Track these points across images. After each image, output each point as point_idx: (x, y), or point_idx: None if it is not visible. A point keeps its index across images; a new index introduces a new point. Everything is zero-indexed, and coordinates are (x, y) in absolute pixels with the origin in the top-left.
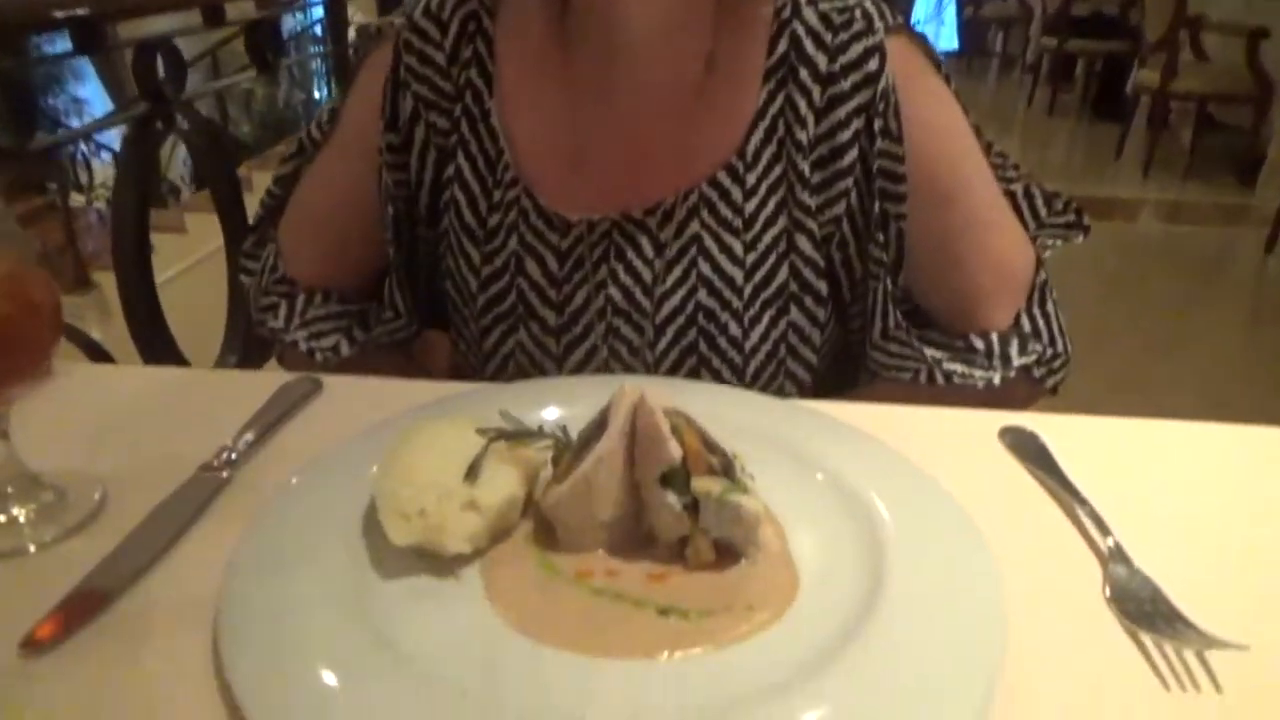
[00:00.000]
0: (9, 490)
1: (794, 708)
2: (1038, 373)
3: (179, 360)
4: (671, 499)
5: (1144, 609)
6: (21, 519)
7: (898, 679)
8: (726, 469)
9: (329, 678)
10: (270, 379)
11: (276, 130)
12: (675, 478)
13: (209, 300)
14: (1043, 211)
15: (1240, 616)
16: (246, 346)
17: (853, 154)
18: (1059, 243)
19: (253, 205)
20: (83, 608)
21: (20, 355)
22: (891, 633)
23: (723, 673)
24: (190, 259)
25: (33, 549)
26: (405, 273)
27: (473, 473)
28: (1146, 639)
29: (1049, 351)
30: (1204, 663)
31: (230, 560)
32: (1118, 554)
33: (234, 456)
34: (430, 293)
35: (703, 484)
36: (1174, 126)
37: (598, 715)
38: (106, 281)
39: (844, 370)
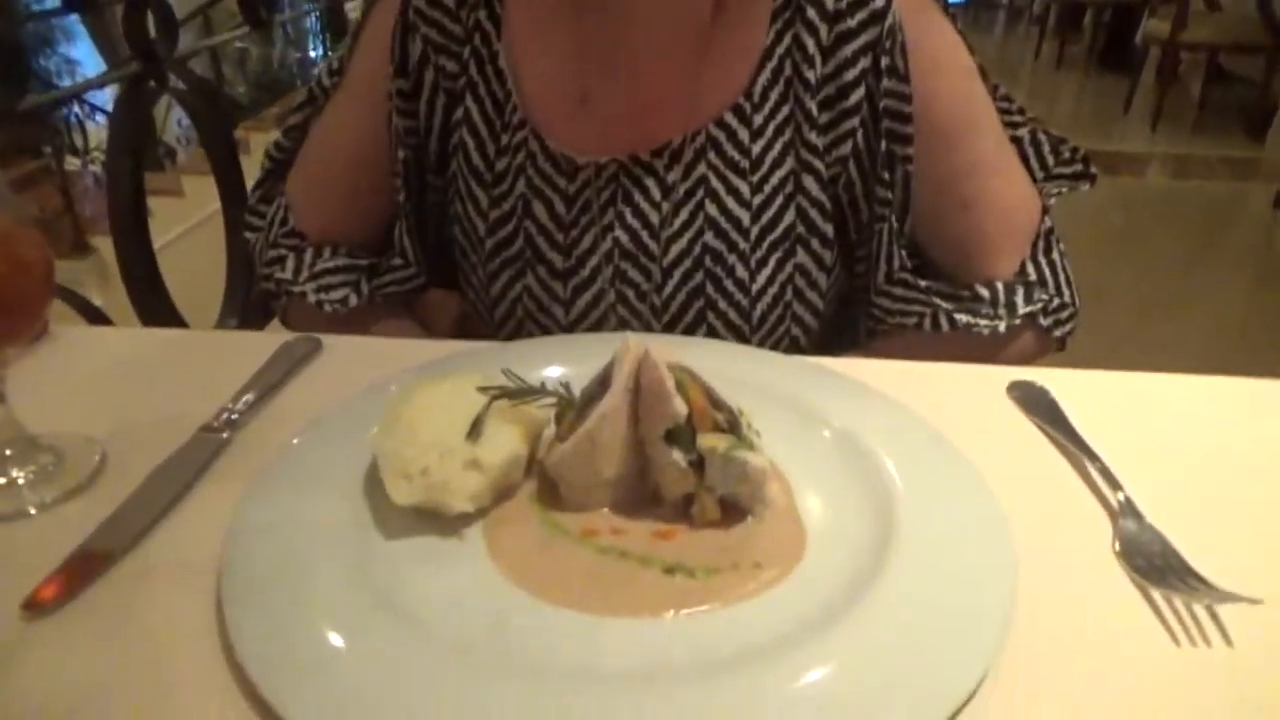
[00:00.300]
0: (8, 453)
1: (802, 664)
2: (1044, 322)
3: (178, 324)
4: (677, 456)
5: (1154, 564)
6: (21, 481)
7: (906, 635)
8: (732, 425)
9: (333, 638)
10: (270, 339)
11: (272, 91)
12: (680, 434)
13: (208, 264)
14: (1050, 159)
15: (1252, 570)
16: (246, 310)
17: (859, 93)
18: (1065, 190)
19: (249, 167)
20: (84, 570)
21: (15, 315)
22: (899, 589)
23: (730, 630)
24: (188, 222)
25: (33, 511)
26: (414, 221)
27: (475, 431)
28: (1156, 594)
29: (1055, 301)
30: (1215, 617)
31: (232, 522)
32: (1128, 508)
33: (234, 417)
34: (438, 244)
35: (708, 440)
36: (1183, 79)
37: (604, 674)
38: (105, 246)
39: (849, 319)
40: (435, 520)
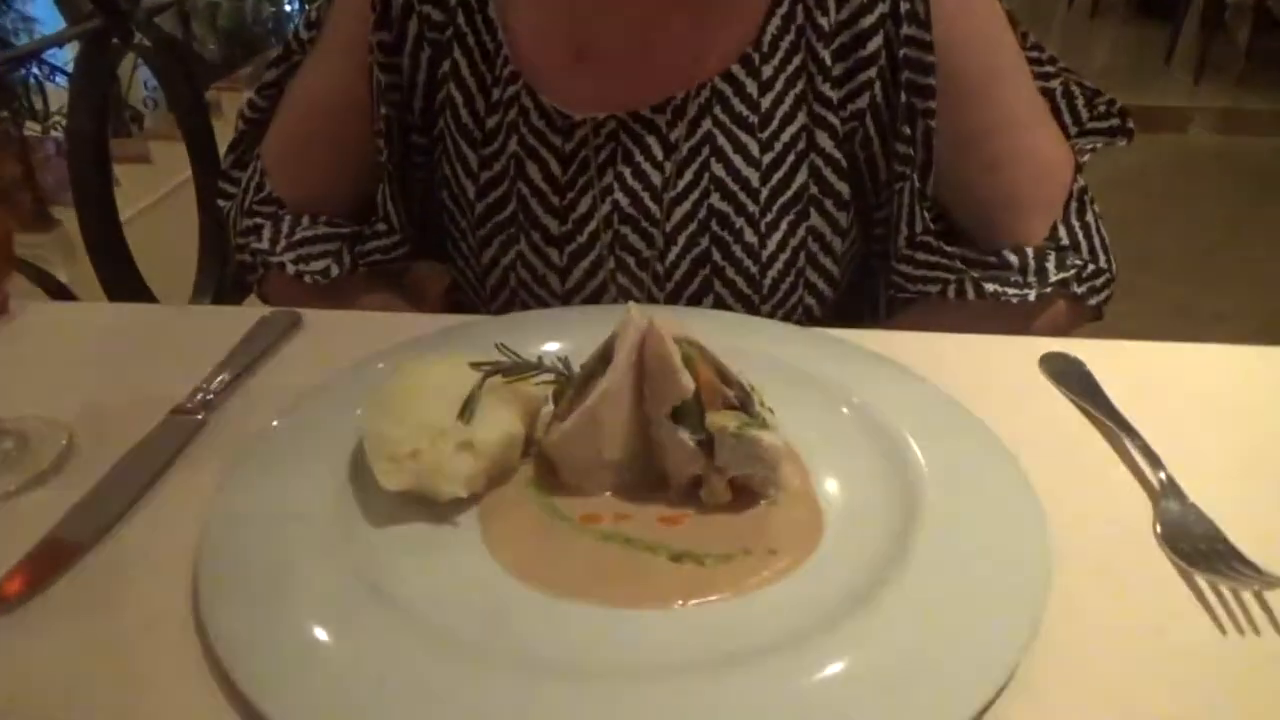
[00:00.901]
0: None
1: (818, 658)
2: (1078, 289)
3: (149, 301)
4: (684, 435)
5: (1198, 547)
6: None
7: (930, 627)
8: (744, 402)
9: (319, 633)
10: (246, 314)
11: (246, 48)
12: (688, 412)
13: (179, 237)
14: (1083, 113)
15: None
16: (221, 285)
17: (877, 40)
18: (1100, 146)
19: (222, 130)
20: (51, 561)
21: None
22: (923, 577)
23: (742, 621)
24: (157, 192)
25: None
26: (399, 184)
27: (467, 411)
28: (1201, 580)
29: (1090, 266)
30: (1263, 604)
31: (209, 510)
32: (1170, 488)
33: (209, 398)
34: (425, 210)
35: (718, 419)
36: (1230, 26)
37: (608, 669)
38: (69, 218)
39: (867, 288)
40: (426, 506)
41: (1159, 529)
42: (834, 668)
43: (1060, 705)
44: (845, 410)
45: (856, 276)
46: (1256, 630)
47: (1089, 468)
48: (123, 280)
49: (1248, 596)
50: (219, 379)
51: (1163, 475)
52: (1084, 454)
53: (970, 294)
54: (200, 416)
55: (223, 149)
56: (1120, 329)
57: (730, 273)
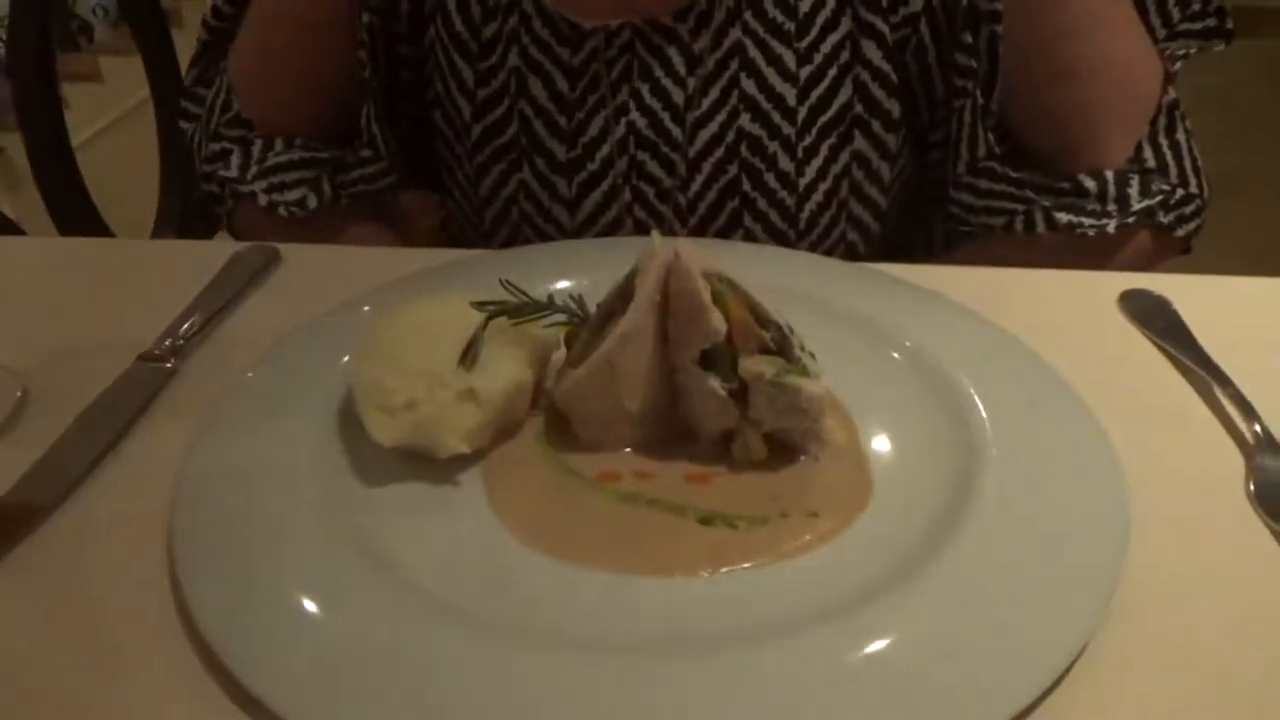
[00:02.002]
0: None
1: (863, 633)
2: (1165, 219)
3: (105, 235)
4: (714, 383)
5: None
6: None
7: (988, 602)
8: (781, 346)
9: (306, 602)
10: (218, 249)
11: None
12: (719, 357)
13: (136, 164)
14: (1174, 11)
15: None
16: (185, 219)
17: None
18: (1193, 52)
19: (183, 43)
20: (12, 524)
21: None
22: (983, 544)
23: (778, 592)
24: (111, 114)
25: None
26: (385, 103)
27: (469, 356)
28: None
29: (1179, 192)
30: None
31: (182, 468)
32: (1266, 443)
33: (180, 343)
34: (414, 135)
35: (753, 365)
36: None
37: (628, 642)
38: (13, 144)
39: (919, 221)
40: (424, 463)
41: (1252, 488)
42: (879, 644)
43: (1138, 682)
44: (896, 355)
45: (907, 209)
46: None
47: (1174, 420)
48: (75, 211)
49: None
50: (189, 322)
51: (1258, 428)
52: (1169, 404)
53: (1041, 225)
54: (169, 364)
55: (184, 64)
56: (1212, 262)
57: (763, 204)
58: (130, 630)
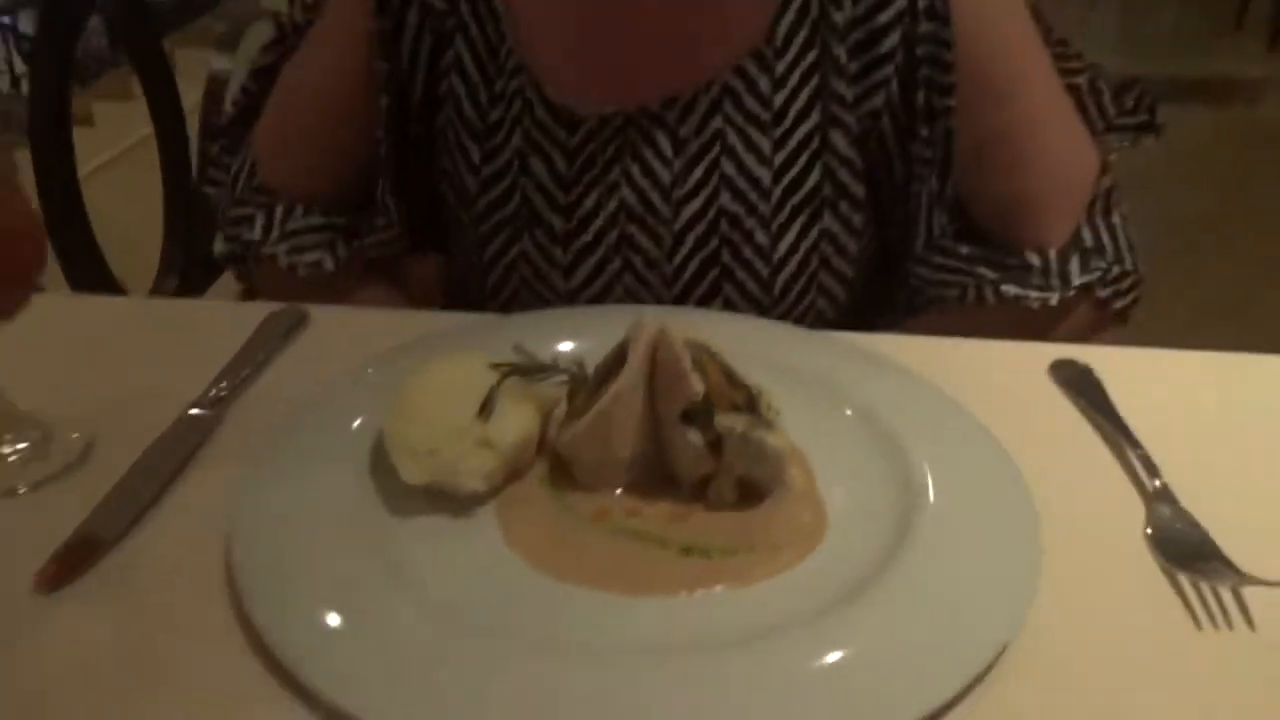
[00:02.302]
0: None
1: (816, 645)
2: (1102, 293)
3: (111, 281)
4: (694, 436)
5: (1184, 550)
6: (12, 459)
7: (924, 618)
8: (751, 404)
9: (342, 612)
10: (253, 310)
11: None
12: (698, 414)
13: (130, 208)
14: (1110, 109)
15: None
16: (188, 267)
17: (894, 38)
18: (1127, 144)
19: (185, 90)
20: (82, 554)
21: (6, 284)
22: (919, 572)
23: (745, 611)
24: (102, 156)
25: (22, 490)
26: (398, 176)
27: (486, 410)
28: (1183, 578)
29: (1115, 269)
30: (1239, 600)
31: (234, 504)
32: (1163, 495)
33: (223, 394)
34: (424, 205)
35: (726, 420)
36: None
37: (616, 652)
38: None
39: (882, 292)
40: (446, 500)
41: (1149, 532)
42: (830, 656)
43: (1045, 690)
44: (849, 413)
45: (871, 279)
46: (1230, 625)
47: (1088, 474)
48: (83, 258)
49: (1225, 593)
50: (231, 376)
51: (1157, 482)
52: (1085, 460)
53: (990, 297)
54: (214, 413)
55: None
56: (1164, 320)
57: (741, 274)
58: (185, 644)
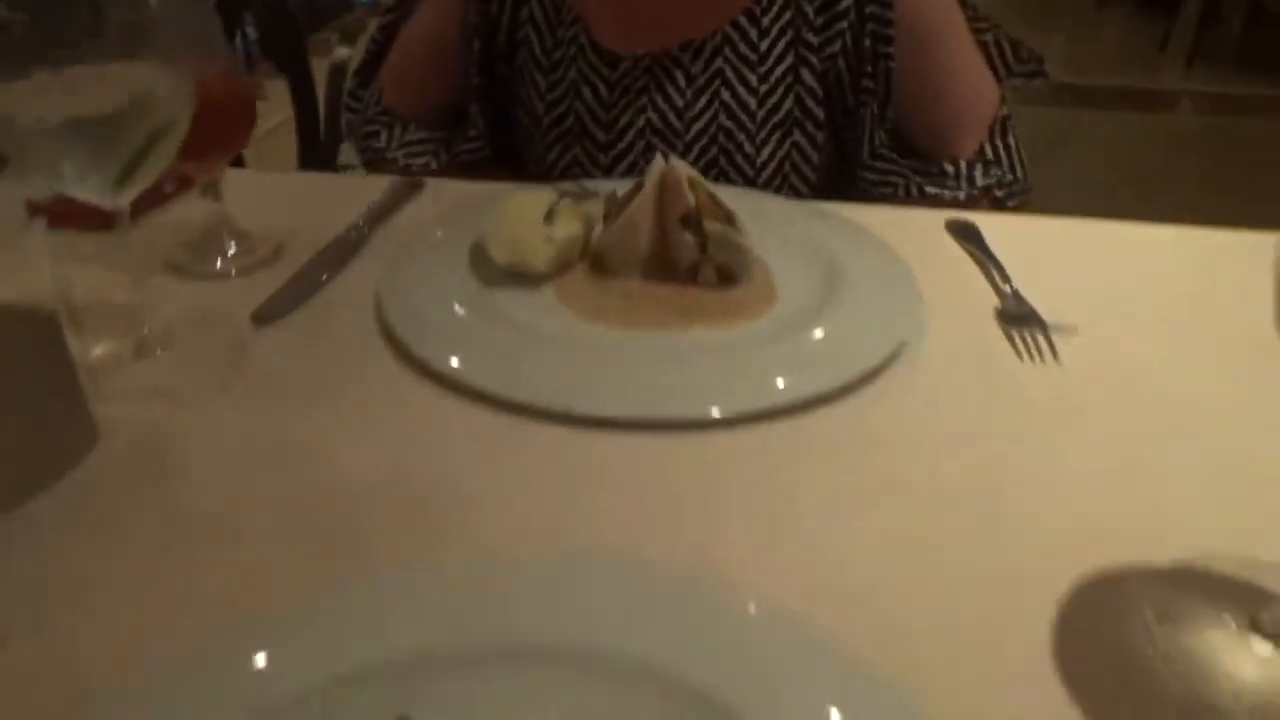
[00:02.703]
0: (220, 235)
1: (774, 351)
2: (999, 194)
3: None
4: (688, 236)
5: (1018, 316)
6: (231, 253)
7: (845, 329)
8: (729, 218)
9: (462, 337)
10: (385, 179)
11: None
12: (691, 220)
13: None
14: (1011, 59)
15: (1081, 313)
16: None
17: (849, 0)
18: (1019, 84)
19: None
20: (283, 304)
21: (230, 135)
22: (844, 312)
23: (722, 340)
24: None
25: (233, 274)
26: (486, 102)
27: (550, 218)
28: (1014, 332)
29: (1009, 176)
30: (1050, 343)
31: (382, 279)
32: (1013, 292)
33: (365, 229)
34: (504, 123)
35: (711, 225)
36: (1226, 18)
37: (634, 347)
38: None
39: (838, 191)
40: (521, 278)
41: (997, 307)
42: (782, 349)
43: (922, 396)
44: (795, 234)
45: (829, 182)
46: (1042, 357)
47: (961, 280)
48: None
49: (1040, 339)
50: (370, 216)
51: (1009, 286)
52: (960, 274)
53: (915, 194)
54: (360, 234)
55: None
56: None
57: (733, 175)
58: (353, 366)
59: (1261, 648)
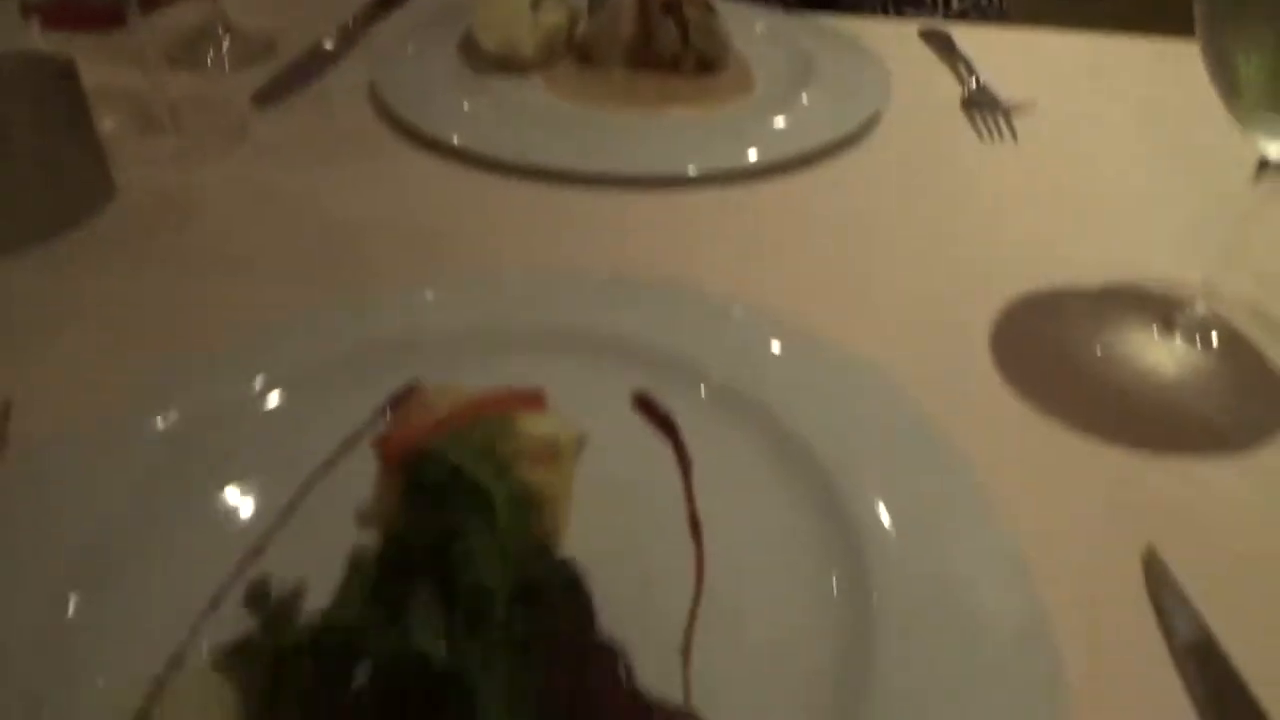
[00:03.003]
0: (215, 31)
1: (745, 130)
2: (974, 17)
3: None
4: (670, 23)
5: (980, 103)
6: (227, 46)
7: (813, 115)
8: (708, 6)
9: (448, 100)
10: None
11: None
12: (673, 6)
13: None
14: None
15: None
16: None
17: None
18: None
19: None
20: (281, 87)
21: None
22: (810, 100)
23: (701, 117)
24: None
25: (229, 67)
26: None
27: (536, 5)
28: (975, 114)
29: (984, 2)
30: (1009, 124)
31: (376, 69)
32: (979, 85)
33: (358, 26)
34: None
35: (691, 10)
36: None
37: (621, 125)
38: None
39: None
40: (510, 66)
41: (964, 96)
42: (751, 121)
43: (876, 173)
44: (773, 32)
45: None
46: (1001, 136)
47: (929, 74)
48: None
49: (1000, 120)
50: (358, 21)
51: (975, 78)
52: (928, 66)
53: (893, 14)
54: (350, 39)
55: None
56: None
57: None
58: (346, 143)
59: (1176, 346)
